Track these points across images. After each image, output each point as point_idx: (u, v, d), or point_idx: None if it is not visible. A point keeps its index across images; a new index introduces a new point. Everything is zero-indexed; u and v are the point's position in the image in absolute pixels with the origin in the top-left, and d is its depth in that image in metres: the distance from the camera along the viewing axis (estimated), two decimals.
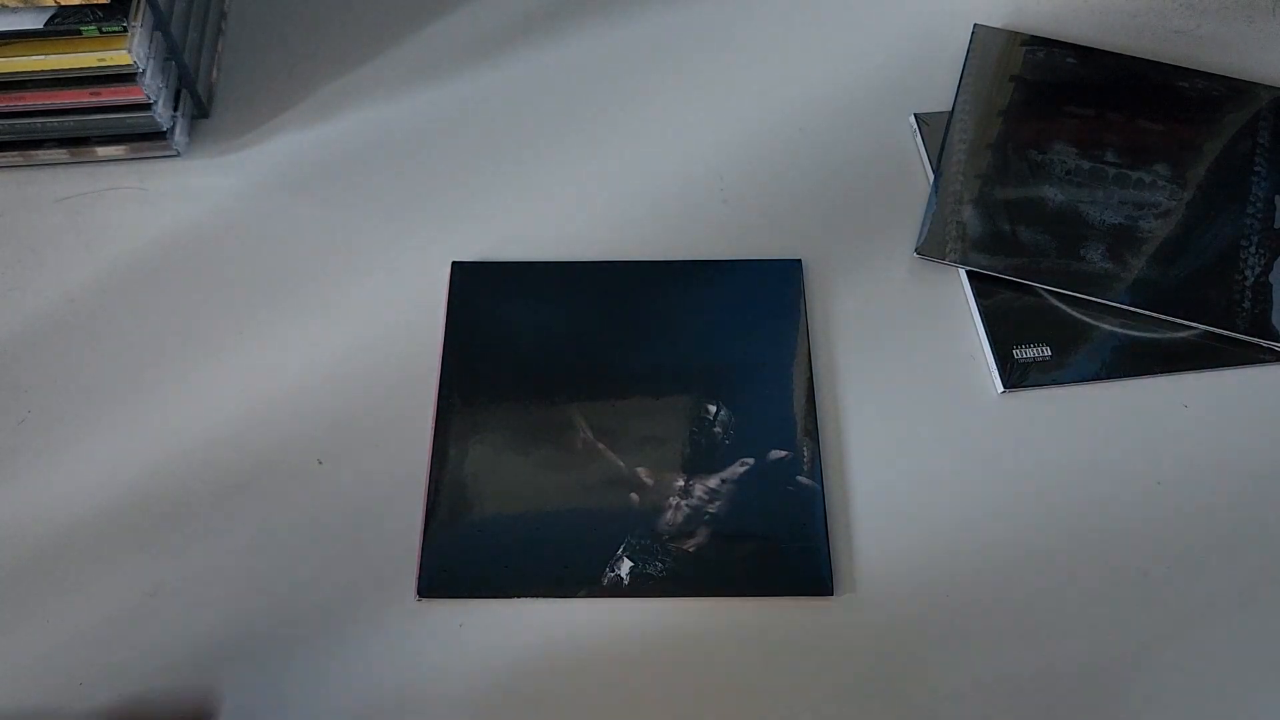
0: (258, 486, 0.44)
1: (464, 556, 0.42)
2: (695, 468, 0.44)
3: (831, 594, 0.41)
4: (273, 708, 0.39)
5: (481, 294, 0.49)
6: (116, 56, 0.47)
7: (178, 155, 0.53)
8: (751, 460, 0.44)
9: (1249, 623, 0.37)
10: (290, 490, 0.44)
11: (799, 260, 0.50)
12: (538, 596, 0.41)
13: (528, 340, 0.47)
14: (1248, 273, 0.48)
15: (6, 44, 0.47)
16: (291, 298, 0.49)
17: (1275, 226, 0.50)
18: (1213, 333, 0.47)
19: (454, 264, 0.49)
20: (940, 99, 0.55)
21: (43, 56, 0.47)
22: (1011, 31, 0.57)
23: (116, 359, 0.47)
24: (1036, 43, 0.56)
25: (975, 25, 0.57)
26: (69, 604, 0.41)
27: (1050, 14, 0.58)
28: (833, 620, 0.41)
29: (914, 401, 0.46)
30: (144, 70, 0.49)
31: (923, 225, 0.50)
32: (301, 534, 0.43)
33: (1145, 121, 0.53)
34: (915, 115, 0.54)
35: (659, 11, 0.59)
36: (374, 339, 0.48)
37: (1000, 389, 0.46)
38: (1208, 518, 0.43)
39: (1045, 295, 0.48)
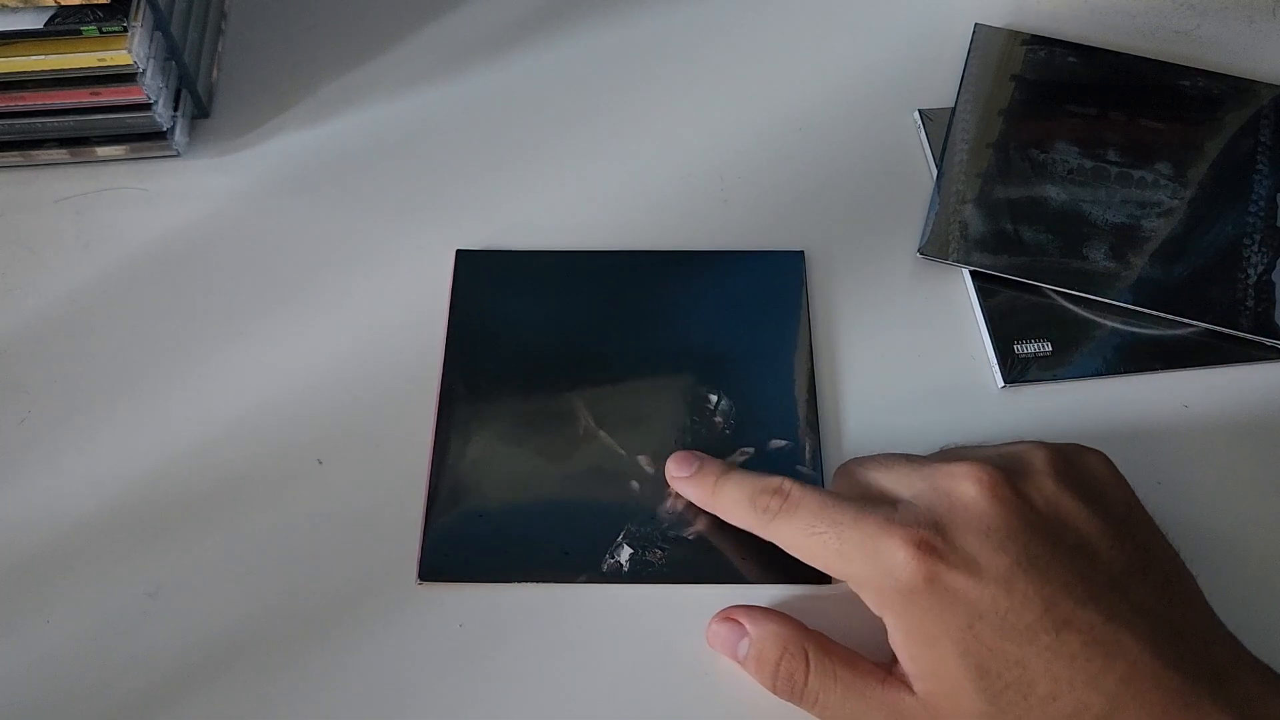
0: (260, 481, 0.44)
1: (465, 542, 0.42)
2: None
3: (829, 581, 0.41)
4: (275, 700, 0.39)
5: (485, 282, 0.49)
6: (116, 56, 0.47)
7: (178, 155, 0.53)
8: (751, 450, 0.44)
9: (1249, 623, 0.36)
10: (291, 481, 0.44)
11: (801, 252, 0.50)
12: (538, 582, 0.42)
13: (530, 328, 0.47)
14: (1250, 271, 0.48)
15: (6, 44, 0.47)
16: (293, 296, 0.49)
17: (1277, 224, 0.49)
18: (1215, 331, 0.47)
19: (458, 252, 0.50)
20: (944, 96, 0.55)
21: (43, 56, 0.47)
22: (1012, 31, 0.57)
23: (117, 359, 0.47)
24: (1037, 42, 0.56)
25: (976, 25, 0.57)
26: (69, 604, 0.41)
27: (1050, 14, 0.58)
28: (830, 607, 0.41)
29: (914, 395, 0.46)
30: (144, 70, 0.49)
31: (925, 225, 0.50)
32: (303, 523, 0.43)
33: (1147, 120, 0.53)
34: (919, 111, 0.54)
35: (663, 8, 0.59)
36: (377, 331, 0.48)
37: (1000, 384, 0.46)
38: (1208, 516, 0.43)
39: (1048, 294, 0.48)
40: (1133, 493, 0.38)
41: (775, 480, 0.38)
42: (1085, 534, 0.35)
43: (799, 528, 0.37)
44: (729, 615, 0.39)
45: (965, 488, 0.36)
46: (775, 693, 0.37)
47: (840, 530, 0.36)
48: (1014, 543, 0.34)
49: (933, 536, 0.34)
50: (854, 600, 0.37)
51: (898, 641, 0.35)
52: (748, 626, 0.39)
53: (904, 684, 0.35)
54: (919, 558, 0.34)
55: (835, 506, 0.36)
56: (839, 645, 0.38)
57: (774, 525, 0.37)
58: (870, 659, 0.37)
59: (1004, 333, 0.47)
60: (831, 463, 0.44)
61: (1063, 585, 0.33)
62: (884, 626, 0.36)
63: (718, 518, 0.42)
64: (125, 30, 0.47)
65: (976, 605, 0.34)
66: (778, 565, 0.42)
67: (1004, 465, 0.37)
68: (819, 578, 0.41)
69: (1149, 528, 0.38)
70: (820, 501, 0.37)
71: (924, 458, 0.40)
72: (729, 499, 0.39)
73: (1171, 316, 0.47)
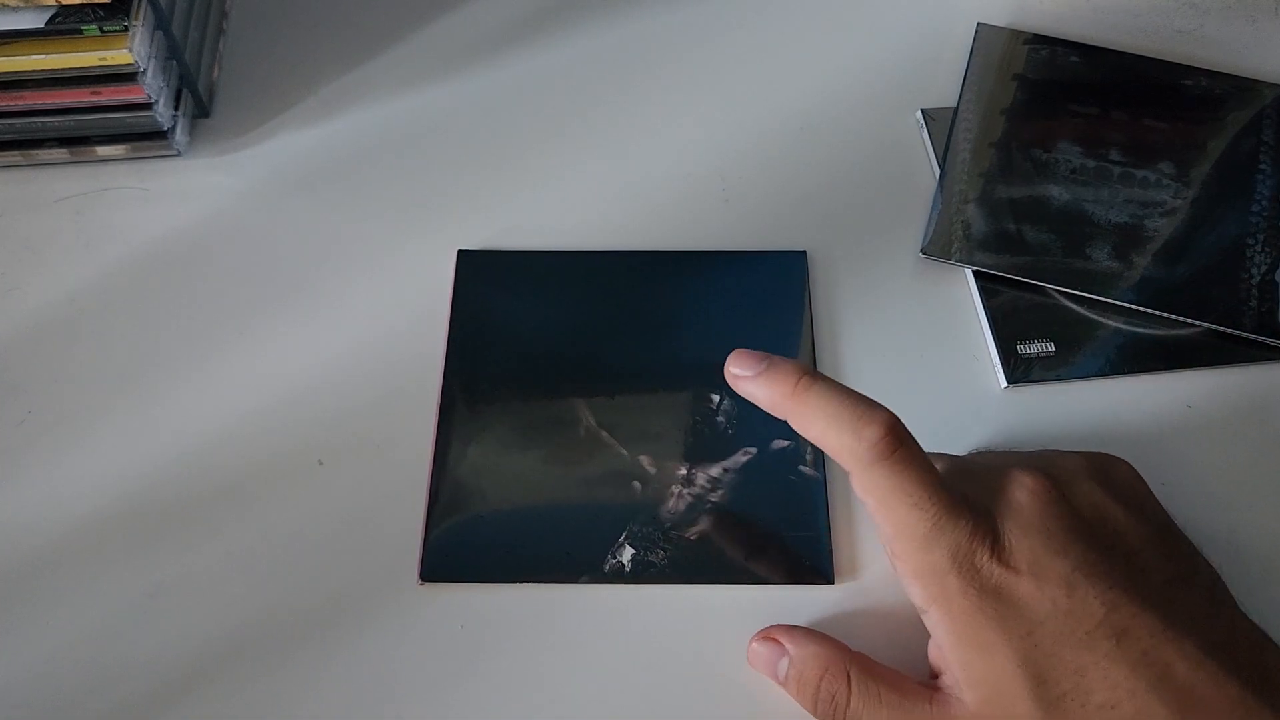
0: (260, 481, 0.44)
1: (466, 542, 0.42)
2: (698, 456, 0.44)
3: (832, 581, 0.41)
4: (275, 700, 0.39)
5: (487, 282, 0.49)
6: (117, 56, 0.47)
7: (178, 155, 0.53)
8: (754, 449, 0.44)
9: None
10: (291, 482, 0.44)
11: (803, 252, 0.49)
12: (539, 582, 0.41)
13: (532, 328, 0.47)
14: (1253, 271, 0.48)
15: (7, 44, 0.47)
16: (294, 295, 0.49)
17: None
18: (1218, 331, 0.47)
19: (459, 252, 0.49)
20: (946, 95, 0.55)
21: (43, 56, 0.47)
22: (1014, 30, 0.57)
23: (117, 359, 0.47)
24: (1040, 41, 0.56)
25: (978, 24, 0.57)
26: (69, 604, 0.41)
27: (1053, 13, 0.58)
28: (833, 607, 0.41)
29: (916, 394, 0.46)
30: (145, 70, 0.48)
31: (928, 224, 0.50)
32: (304, 523, 0.43)
33: (1149, 120, 0.53)
34: (922, 110, 0.54)
35: (662, 8, 0.59)
36: (378, 331, 0.48)
37: (1004, 384, 0.46)
38: (1212, 517, 0.43)
39: (1051, 294, 0.48)
40: (1160, 504, 0.38)
41: (882, 413, 0.34)
42: (1134, 543, 0.35)
43: (900, 486, 0.33)
44: (769, 635, 0.39)
45: (1019, 493, 0.35)
46: (816, 714, 0.36)
47: (939, 516, 0.33)
48: (1073, 548, 0.34)
49: (994, 541, 0.34)
50: (852, 599, 0.37)
51: (946, 645, 0.34)
52: (788, 646, 0.38)
53: (953, 697, 0.34)
54: (988, 563, 0.33)
55: (942, 488, 0.34)
56: (882, 665, 0.36)
57: (874, 470, 0.33)
58: (913, 678, 0.36)
59: (1007, 333, 0.47)
60: (833, 461, 0.44)
61: (1121, 592, 0.33)
62: (920, 630, 0.35)
63: (719, 517, 0.42)
64: (126, 29, 0.47)
65: (1037, 611, 0.33)
66: (780, 565, 0.42)
67: (1048, 472, 0.36)
68: (821, 578, 0.41)
69: (1184, 538, 0.38)
70: (927, 472, 0.33)
71: (964, 458, 0.39)
72: (821, 412, 0.34)
73: (1174, 316, 0.47)
